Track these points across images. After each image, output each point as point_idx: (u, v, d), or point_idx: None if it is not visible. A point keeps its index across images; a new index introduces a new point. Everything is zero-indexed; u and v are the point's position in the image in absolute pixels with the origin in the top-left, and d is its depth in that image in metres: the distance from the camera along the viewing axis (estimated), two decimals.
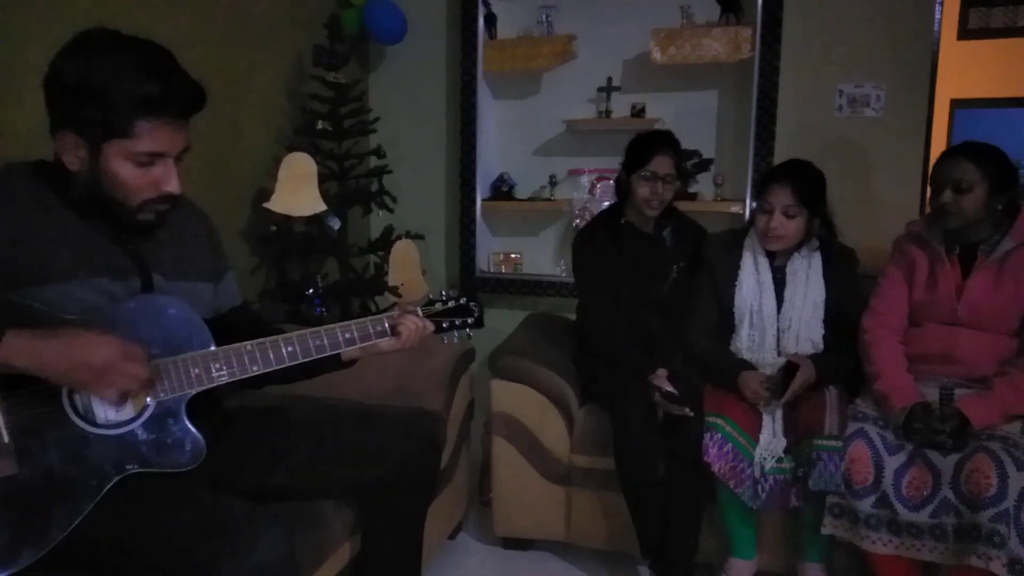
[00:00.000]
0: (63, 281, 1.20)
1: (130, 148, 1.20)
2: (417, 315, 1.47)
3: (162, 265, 1.34)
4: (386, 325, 1.43)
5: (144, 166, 1.22)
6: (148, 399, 1.23)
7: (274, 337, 1.34)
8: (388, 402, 1.97)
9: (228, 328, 1.38)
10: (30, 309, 1.17)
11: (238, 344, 1.30)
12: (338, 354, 1.42)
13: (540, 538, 2.31)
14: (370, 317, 1.43)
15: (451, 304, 1.52)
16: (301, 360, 1.35)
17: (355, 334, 1.40)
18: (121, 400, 1.20)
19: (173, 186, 1.26)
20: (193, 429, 1.27)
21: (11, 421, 1.13)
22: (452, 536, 2.37)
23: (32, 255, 1.19)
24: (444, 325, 1.50)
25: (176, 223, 1.37)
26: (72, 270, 1.22)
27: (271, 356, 1.32)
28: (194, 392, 1.27)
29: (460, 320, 1.52)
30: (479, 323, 1.53)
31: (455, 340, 1.53)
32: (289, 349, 1.33)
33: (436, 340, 1.52)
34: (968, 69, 4.29)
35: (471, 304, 1.53)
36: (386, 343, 1.45)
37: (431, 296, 1.53)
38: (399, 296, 2.83)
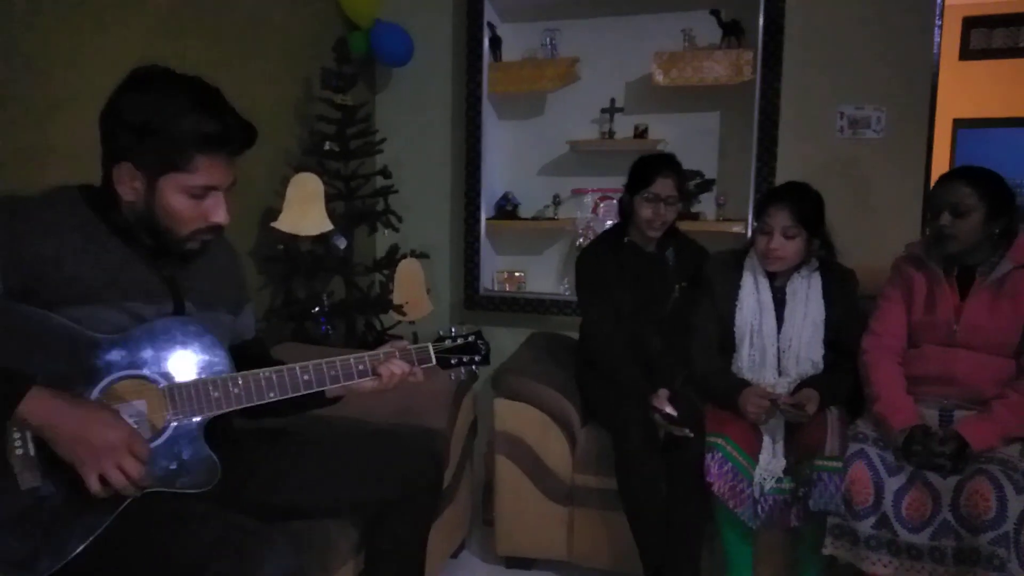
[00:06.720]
0: (97, 303, 1.25)
1: (186, 182, 1.26)
2: (410, 357, 1.49)
3: (193, 293, 1.39)
4: (367, 364, 1.44)
5: (197, 198, 1.28)
6: (168, 419, 1.27)
7: (291, 365, 1.38)
8: (391, 421, 1.99)
9: (237, 359, 1.41)
10: (63, 326, 1.21)
11: (256, 370, 1.35)
12: (323, 392, 1.44)
13: (542, 557, 2.31)
14: (353, 356, 1.44)
15: (460, 341, 1.55)
16: (316, 388, 1.40)
17: (356, 367, 1.43)
18: (102, 492, 1.17)
19: (222, 217, 1.32)
20: (209, 451, 1.30)
21: (36, 435, 1.16)
22: (455, 555, 2.37)
23: (71, 277, 1.23)
24: (452, 362, 1.54)
25: (209, 254, 1.42)
26: (107, 293, 1.26)
27: (287, 383, 1.36)
28: (213, 415, 1.31)
29: (468, 358, 1.55)
30: (486, 360, 1.57)
31: (462, 376, 1.57)
32: (306, 377, 1.38)
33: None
34: (970, 89, 4.33)
35: (479, 342, 1.56)
36: (368, 383, 1.46)
37: (440, 332, 1.56)
38: (403, 315, 2.86)
